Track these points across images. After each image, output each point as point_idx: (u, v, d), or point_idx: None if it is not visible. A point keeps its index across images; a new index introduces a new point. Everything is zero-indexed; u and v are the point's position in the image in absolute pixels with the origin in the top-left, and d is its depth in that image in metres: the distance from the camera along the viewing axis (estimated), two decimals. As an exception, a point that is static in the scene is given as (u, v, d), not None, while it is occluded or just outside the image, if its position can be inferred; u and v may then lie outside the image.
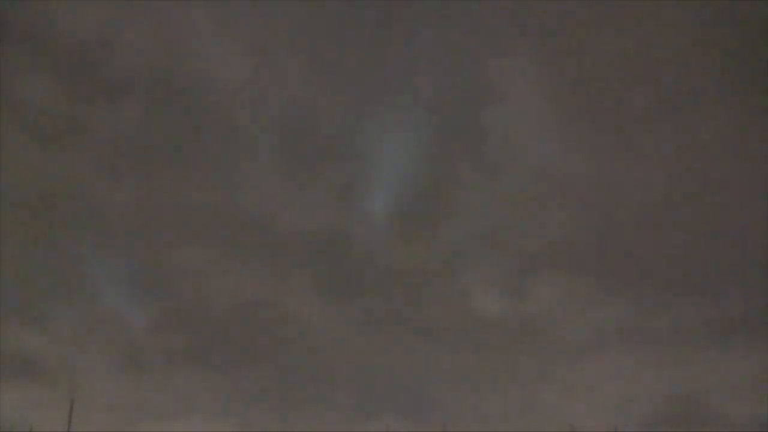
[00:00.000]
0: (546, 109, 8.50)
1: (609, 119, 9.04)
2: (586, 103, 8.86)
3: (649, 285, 8.83)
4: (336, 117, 9.88)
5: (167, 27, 9.42)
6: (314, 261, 9.36)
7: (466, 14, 8.83)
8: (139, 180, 9.34)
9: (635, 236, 8.74)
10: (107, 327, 9.88)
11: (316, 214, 9.53)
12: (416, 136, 9.60)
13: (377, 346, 10.19)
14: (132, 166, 9.12)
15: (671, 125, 8.36)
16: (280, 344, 10.42)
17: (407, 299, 9.46)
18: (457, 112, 8.62)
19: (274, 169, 9.19)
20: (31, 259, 9.27)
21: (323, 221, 9.25)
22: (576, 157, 8.60)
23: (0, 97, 8.73)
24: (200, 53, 9.25)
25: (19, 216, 9.24)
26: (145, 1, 8.72)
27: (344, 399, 10.22)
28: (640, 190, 8.99)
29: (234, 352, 10.69)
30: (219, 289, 9.64)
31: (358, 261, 9.60)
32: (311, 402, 9.94)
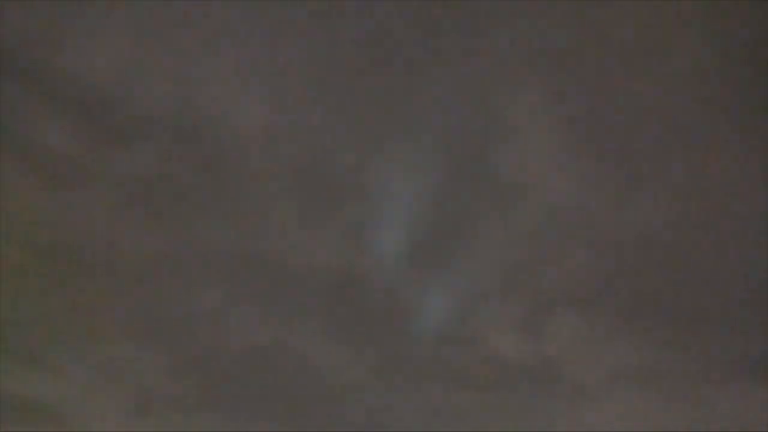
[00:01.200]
0: (558, 145, 8.52)
1: (622, 154, 9.10)
2: (599, 138, 8.91)
3: (668, 324, 8.76)
4: (348, 156, 9.99)
5: (183, 71, 9.60)
6: (328, 302, 9.34)
7: (476, 50, 8.99)
8: (153, 224, 9.40)
9: (654, 274, 8.69)
10: (120, 372, 9.84)
11: (330, 254, 9.55)
12: (428, 174, 9.66)
13: (390, 389, 10.10)
14: (145, 210, 9.19)
15: (687, 159, 8.37)
16: (293, 389, 10.38)
17: (420, 340, 9.40)
18: (468, 149, 8.65)
19: (289, 211, 9.24)
20: (44, 304, 9.28)
21: (336, 261, 9.25)
22: (589, 193, 8.59)
23: (11, 140, 8.85)
24: (216, 97, 9.40)
25: (32, 262, 9.30)
26: (162, 44, 8.93)
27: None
28: (659, 227, 8.99)
29: (247, 398, 10.62)
30: (233, 332, 9.60)
31: (371, 301, 9.57)
32: None
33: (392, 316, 9.59)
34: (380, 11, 9.57)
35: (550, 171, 9.50)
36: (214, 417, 10.63)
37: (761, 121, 8.71)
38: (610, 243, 9.26)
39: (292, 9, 9.31)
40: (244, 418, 10.42)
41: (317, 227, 9.54)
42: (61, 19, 9.46)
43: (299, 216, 9.77)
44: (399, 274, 9.70)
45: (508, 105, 9.09)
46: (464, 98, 8.78)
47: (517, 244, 9.34)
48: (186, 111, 9.54)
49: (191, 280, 9.74)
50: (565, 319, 9.15)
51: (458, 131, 9.22)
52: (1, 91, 9.39)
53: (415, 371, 9.24)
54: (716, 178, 8.95)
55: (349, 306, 9.54)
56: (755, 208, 9.04)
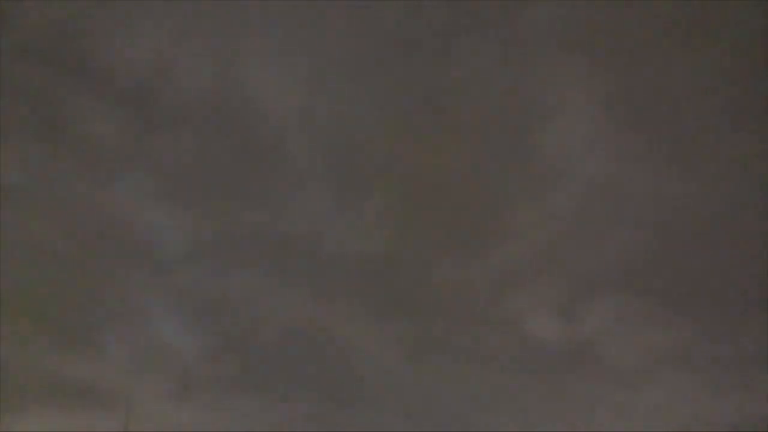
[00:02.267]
0: (599, 121, 8.39)
1: (666, 131, 8.93)
2: (642, 113, 8.77)
3: (710, 305, 8.62)
4: (385, 141, 9.98)
5: (222, 56, 9.67)
6: (363, 284, 9.38)
7: (513, 32, 8.87)
8: (192, 208, 9.53)
9: (695, 254, 8.55)
10: (160, 354, 10.03)
11: (365, 236, 9.57)
12: (466, 156, 9.61)
13: (426, 371, 10.11)
14: (184, 194, 9.33)
15: (733, 136, 8.21)
16: (329, 370, 10.42)
17: (457, 323, 9.39)
18: (506, 130, 8.55)
19: (325, 194, 9.28)
20: (86, 288, 9.50)
21: (371, 243, 9.27)
22: (631, 171, 8.46)
23: (57, 130, 9.05)
24: (254, 82, 9.48)
25: (77, 247, 9.48)
26: (200, 30, 9.00)
27: (392, 426, 10.14)
28: (700, 205, 8.82)
29: (284, 378, 10.74)
30: (270, 314, 9.70)
31: (406, 283, 9.58)
32: (360, 427, 9.89)
33: (428, 297, 9.60)
34: (418, -5, 9.42)
35: (589, 151, 9.36)
36: (253, 397, 10.75)
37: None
38: (649, 223, 9.12)
39: (330, -5, 9.25)
40: (282, 398, 10.52)
41: (353, 210, 9.58)
42: (103, 12, 9.59)
43: (335, 198, 9.82)
44: (435, 256, 9.67)
45: (546, 85, 8.99)
46: (502, 80, 8.71)
47: (555, 225, 9.25)
48: (224, 97, 9.64)
49: (230, 263, 9.85)
50: (604, 300, 9.04)
51: (496, 113, 9.14)
52: (48, 84, 9.59)
53: (451, 353, 9.25)
54: (758, 157, 8.74)
55: (385, 288, 9.56)
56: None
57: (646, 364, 9.52)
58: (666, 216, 8.62)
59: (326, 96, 9.29)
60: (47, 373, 9.38)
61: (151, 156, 9.14)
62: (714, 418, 9.01)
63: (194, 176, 9.27)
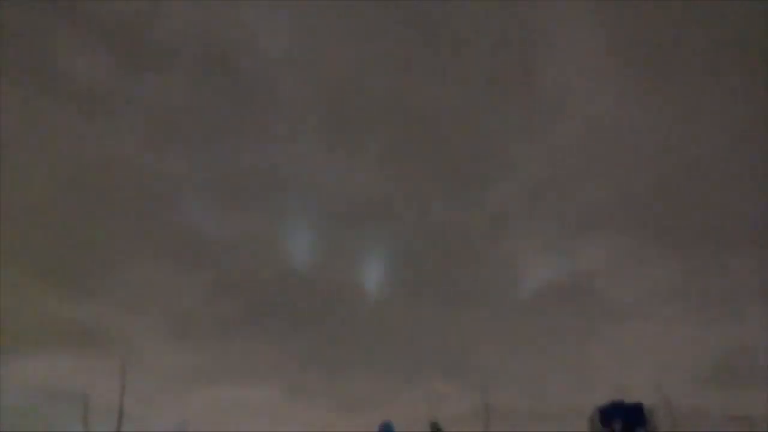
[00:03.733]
0: (601, 59, 8.25)
1: (667, 68, 8.76)
2: (643, 54, 8.58)
3: (702, 242, 8.65)
4: (378, 82, 9.72)
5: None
6: (361, 225, 9.32)
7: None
8: (186, 148, 9.35)
9: (690, 191, 8.53)
10: (160, 295, 9.99)
11: (359, 179, 9.46)
12: (464, 89, 9.36)
13: (422, 310, 10.12)
14: (179, 134, 9.13)
15: (733, 77, 8.07)
16: (327, 310, 10.43)
17: (455, 263, 9.38)
18: (504, 59, 8.33)
19: (319, 135, 9.11)
20: (83, 229, 9.37)
21: (365, 186, 9.18)
22: (630, 109, 8.36)
23: (42, 71, 8.76)
24: (245, 22, 9.16)
25: (71, 187, 9.31)
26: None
27: (390, 362, 10.22)
28: (697, 144, 8.75)
29: (284, 318, 10.75)
30: (269, 255, 9.65)
31: (405, 224, 9.52)
32: (358, 366, 9.98)
33: (426, 237, 9.55)
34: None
35: (590, 89, 9.19)
36: (253, 337, 10.71)
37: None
38: (649, 161, 9.03)
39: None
40: (281, 337, 10.52)
41: (349, 150, 9.42)
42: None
43: (332, 139, 9.62)
44: (433, 195, 9.57)
45: (550, 22, 8.72)
46: (503, 14, 8.45)
47: (555, 160, 9.14)
48: (213, 38, 9.32)
49: (223, 204, 9.70)
50: (601, 237, 9.04)
51: (497, 48, 8.88)
52: (33, 25, 9.21)
53: (447, 293, 9.28)
54: (756, 99, 8.56)
55: (383, 229, 9.51)
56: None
57: (640, 299, 9.57)
58: (666, 156, 8.55)
59: (321, 34, 9.02)
60: (47, 316, 9.33)
61: (141, 95, 8.91)
62: (701, 349, 9.12)
63: (187, 116, 9.07)
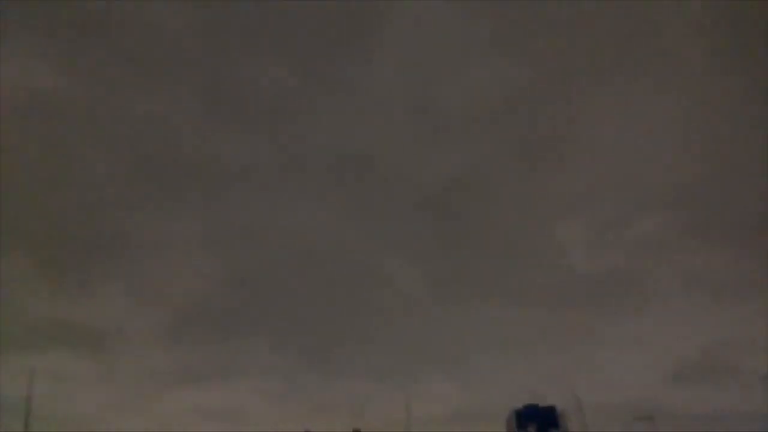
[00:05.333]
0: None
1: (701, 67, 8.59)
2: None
3: (749, 232, 8.55)
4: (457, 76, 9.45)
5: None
6: (415, 214, 8.94)
7: None
8: (247, 133, 8.92)
9: (730, 183, 8.43)
10: (160, 290, 9.55)
11: (429, 160, 9.16)
12: (521, 88, 9.14)
13: (458, 303, 9.78)
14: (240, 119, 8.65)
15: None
16: (345, 302, 10.05)
17: (502, 255, 9.06)
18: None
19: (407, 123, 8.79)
20: (92, 228, 8.88)
21: (434, 169, 8.88)
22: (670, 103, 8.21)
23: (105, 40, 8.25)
24: None
25: (79, 184, 8.84)
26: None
27: (411, 365, 9.80)
28: (741, 135, 8.60)
29: (286, 316, 10.31)
30: (299, 238, 9.25)
31: (468, 214, 9.18)
32: (360, 369, 9.57)
33: (484, 231, 9.26)
34: None
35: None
36: (253, 332, 10.29)
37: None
38: (699, 148, 8.93)
39: None
40: (281, 334, 10.15)
41: (418, 133, 9.07)
42: None
43: (406, 120, 9.28)
44: (489, 189, 9.30)
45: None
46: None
47: (611, 155, 8.94)
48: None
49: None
50: (643, 226, 8.91)
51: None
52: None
53: (486, 287, 9.00)
54: None
55: (438, 221, 9.16)
56: None
57: (676, 287, 9.51)
58: (709, 145, 8.44)
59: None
60: (43, 314, 8.75)
61: (200, 73, 8.35)
62: (722, 333, 9.08)
63: (250, 99, 8.51)
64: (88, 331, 9.62)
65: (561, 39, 8.58)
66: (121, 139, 9.75)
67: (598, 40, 8.66)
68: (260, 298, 9.28)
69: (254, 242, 9.61)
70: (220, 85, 9.08)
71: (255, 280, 9.35)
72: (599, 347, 8.63)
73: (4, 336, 8.16)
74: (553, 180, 8.61)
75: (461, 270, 8.94)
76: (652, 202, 8.55)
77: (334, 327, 9.40)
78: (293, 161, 9.40)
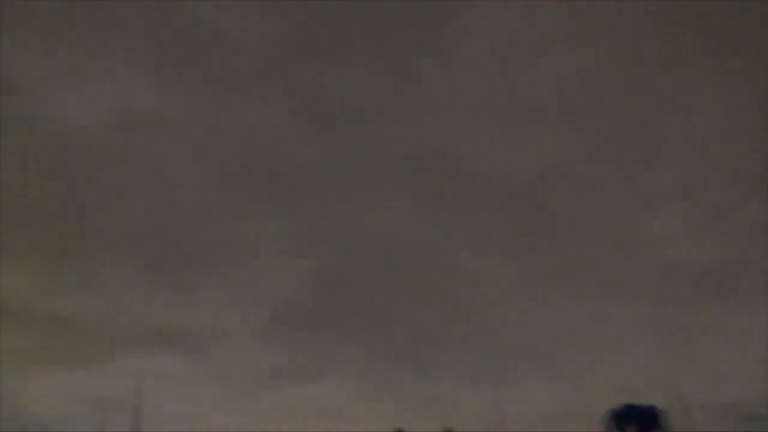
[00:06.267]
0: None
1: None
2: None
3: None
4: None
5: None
6: (504, 209, 8.74)
7: None
8: (327, 132, 8.99)
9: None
10: (255, 292, 9.72)
11: (517, 157, 8.91)
12: (620, 75, 8.70)
13: (546, 300, 9.43)
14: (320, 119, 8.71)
15: None
16: (435, 302, 9.89)
17: (594, 249, 8.70)
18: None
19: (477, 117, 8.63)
20: (186, 228, 9.17)
21: (512, 168, 8.64)
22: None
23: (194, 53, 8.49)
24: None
25: (177, 189, 9.11)
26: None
27: (500, 367, 9.63)
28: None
29: (376, 313, 10.30)
30: (388, 240, 9.21)
31: (557, 208, 8.90)
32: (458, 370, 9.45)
33: (563, 224, 8.87)
34: None
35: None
36: (345, 333, 10.27)
37: None
38: None
39: None
40: (374, 335, 10.03)
41: (508, 131, 8.80)
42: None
43: (491, 118, 8.99)
44: (579, 181, 8.88)
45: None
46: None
47: (702, 146, 8.31)
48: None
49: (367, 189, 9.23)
50: (746, 215, 8.19)
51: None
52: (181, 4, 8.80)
53: (577, 281, 8.60)
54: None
55: (529, 215, 8.87)
56: None
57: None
58: None
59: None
60: (148, 318, 9.15)
61: (288, 80, 8.54)
62: None
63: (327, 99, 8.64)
64: (189, 333, 10.18)
65: (647, 24, 8.15)
66: (212, 149, 10.14)
67: (687, 24, 8.17)
68: (350, 298, 9.45)
69: (342, 242, 9.81)
70: (303, 91, 9.29)
71: (344, 280, 9.52)
72: (703, 344, 8.15)
73: (113, 339, 8.70)
74: (648, 170, 8.25)
75: (552, 266, 8.75)
76: (755, 188, 7.98)
77: (424, 325, 9.41)
78: (376, 160, 9.49)
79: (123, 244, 8.58)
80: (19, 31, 7.85)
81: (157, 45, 8.26)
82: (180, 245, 8.98)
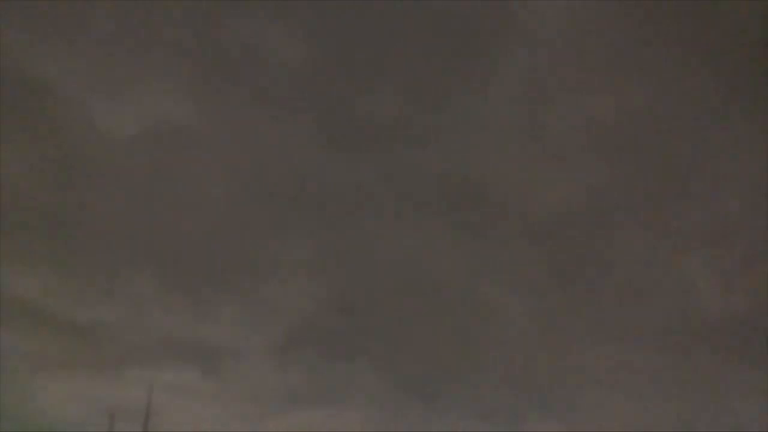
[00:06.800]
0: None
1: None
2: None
3: None
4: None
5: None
6: (534, 246, 8.61)
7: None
8: (356, 159, 9.01)
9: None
10: (273, 312, 9.70)
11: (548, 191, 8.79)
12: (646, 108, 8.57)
13: (573, 347, 9.16)
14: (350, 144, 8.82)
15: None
16: (452, 332, 9.73)
17: (619, 293, 8.47)
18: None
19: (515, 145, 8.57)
20: (201, 249, 9.23)
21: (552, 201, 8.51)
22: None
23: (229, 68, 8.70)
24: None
25: (192, 209, 9.18)
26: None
27: (504, 407, 9.44)
28: None
29: (392, 341, 10.21)
30: (392, 268, 9.12)
31: (584, 247, 8.72)
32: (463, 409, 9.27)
33: (588, 264, 8.69)
34: None
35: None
36: (360, 358, 10.13)
37: None
38: None
39: None
40: (389, 361, 9.85)
41: (534, 162, 8.70)
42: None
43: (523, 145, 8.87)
44: (608, 221, 8.70)
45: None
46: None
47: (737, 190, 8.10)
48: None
49: (401, 213, 9.19)
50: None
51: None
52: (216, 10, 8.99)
53: (600, 324, 8.37)
54: None
55: (557, 251, 8.70)
56: None
57: None
58: None
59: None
60: (163, 330, 9.20)
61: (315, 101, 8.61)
62: None
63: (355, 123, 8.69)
64: (204, 349, 10.16)
65: (687, 65, 8.05)
66: (239, 167, 10.14)
67: (728, 68, 8.02)
68: (366, 324, 9.34)
69: (363, 267, 9.70)
70: (334, 114, 9.29)
71: (363, 305, 9.43)
72: (723, 396, 7.86)
73: (128, 349, 8.78)
74: (679, 210, 8.10)
75: (575, 306, 8.55)
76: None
77: (439, 358, 9.26)
78: (404, 189, 9.40)
79: (145, 256, 8.66)
80: (64, 37, 8.06)
81: (196, 61, 8.43)
82: (201, 260, 9.01)
